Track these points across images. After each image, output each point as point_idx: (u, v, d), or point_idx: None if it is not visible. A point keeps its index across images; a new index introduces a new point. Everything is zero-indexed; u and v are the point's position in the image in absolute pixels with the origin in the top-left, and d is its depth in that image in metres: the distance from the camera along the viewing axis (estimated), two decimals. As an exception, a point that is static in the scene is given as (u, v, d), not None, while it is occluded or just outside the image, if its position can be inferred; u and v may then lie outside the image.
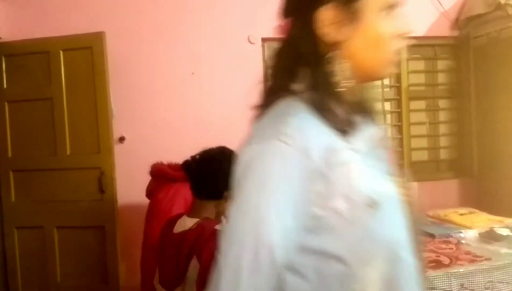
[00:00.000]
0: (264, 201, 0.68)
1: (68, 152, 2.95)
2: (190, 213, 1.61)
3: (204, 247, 1.45)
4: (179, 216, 1.63)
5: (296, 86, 0.77)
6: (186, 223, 1.56)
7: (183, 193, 2.05)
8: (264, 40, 3.48)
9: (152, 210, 2.12)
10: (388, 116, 3.84)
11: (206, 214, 1.59)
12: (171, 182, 2.11)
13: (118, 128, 3.13)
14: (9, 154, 3.01)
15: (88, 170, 2.94)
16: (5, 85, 2.99)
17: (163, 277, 1.56)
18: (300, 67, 0.78)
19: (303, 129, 0.70)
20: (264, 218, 0.67)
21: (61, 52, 2.93)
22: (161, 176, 2.20)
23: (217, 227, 1.52)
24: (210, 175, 1.58)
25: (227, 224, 0.72)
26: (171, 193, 2.07)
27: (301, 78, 0.77)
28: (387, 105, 3.83)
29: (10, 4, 3.13)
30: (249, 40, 3.42)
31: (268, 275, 0.68)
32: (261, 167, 0.70)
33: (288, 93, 0.77)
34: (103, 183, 2.91)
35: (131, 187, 3.00)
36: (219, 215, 1.61)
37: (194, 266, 1.46)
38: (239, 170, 0.73)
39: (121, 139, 3.21)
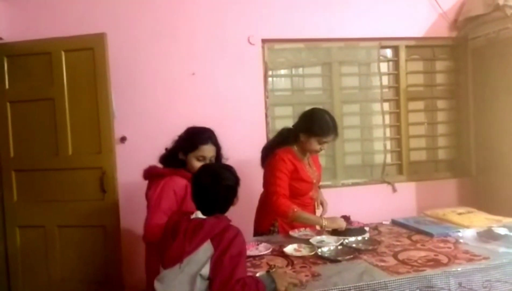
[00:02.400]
0: None
1: (70, 152, 2.97)
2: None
3: (223, 235, 1.63)
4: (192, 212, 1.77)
5: None
6: (198, 215, 1.72)
7: (172, 186, 2.09)
8: (264, 41, 3.51)
9: (147, 208, 2.15)
10: (387, 116, 3.87)
11: None
12: (159, 178, 2.15)
13: (119, 128, 3.15)
14: (11, 154, 3.03)
15: (90, 169, 2.96)
16: (7, 86, 3.01)
17: (170, 253, 1.66)
18: None
19: None
20: None
21: (62, 53, 2.95)
22: (149, 175, 2.25)
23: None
24: (216, 206, 1.75)
25: None
26: (159, 188, 2.10)
27: None
28: (386, 106, 3.86)
29: (12, 5, 3.14)
30: (249, 41, 3.45)
31: None
32: None
33: None
34: (105, 183, 2.93)
35: (132, 186, 3.02)
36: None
37: (205, 249, 1.62)
38: None
39: (123, 139, 3.23)
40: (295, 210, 2.31)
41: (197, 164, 2.10)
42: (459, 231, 2.28)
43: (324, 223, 2.31)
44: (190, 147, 2.16)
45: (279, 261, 2.00)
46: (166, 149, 2.27)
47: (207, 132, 2.23)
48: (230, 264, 1.59)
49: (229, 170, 1.84)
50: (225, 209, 1.79)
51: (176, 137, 2.26)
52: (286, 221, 2.47)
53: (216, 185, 1.73)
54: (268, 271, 1.75)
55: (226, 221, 1.72)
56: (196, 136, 2.19)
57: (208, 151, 2.16)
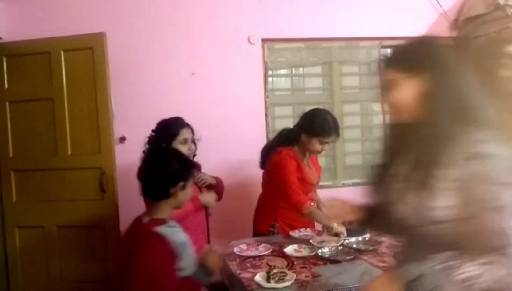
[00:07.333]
0: None
1: (69, 152, 2.96)
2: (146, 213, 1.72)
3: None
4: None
5: None
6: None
7: None
8: (264, 40, 3.50)
9: None
10: (388, 116, 3.85)
11: (161, 215, 1.68)
12: None
13: (118, 128, 3.14)
14: (10, 154, 3.02)
15: (89, 169, 2.95)
16: (6, 86, 3.00)
17: None
18: None
19: None
20: None
21: (62, 52, 2.93)
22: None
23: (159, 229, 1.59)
24: (151, 177, 1.69)
25: None
26: None
27: None
28: (387, 106, 3.83)
29: (11, 5, 3.14)
30: (249, 40, 3.44)
31: None
32: None
33: None
34: (104, 183, 2.92)
35: (131, 186, 3.00)
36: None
37: None
38: None
39: (122, 139, 3.23)
40: (312, 204, 2.37)
41: (183, 148, 2.19)
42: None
43: (335, 226, 2.28)
44: (171, 135, 2.22)
45: (279, 262, 1.99)
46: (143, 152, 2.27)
47: (179, 118, 2.31)
48: None
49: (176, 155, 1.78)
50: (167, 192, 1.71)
51: (148, 138, 2.32)
52: (286, 221, 2.48)
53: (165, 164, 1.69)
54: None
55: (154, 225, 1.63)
56: (173, 124, 2.27)
57: (188, 132, 2.25)
